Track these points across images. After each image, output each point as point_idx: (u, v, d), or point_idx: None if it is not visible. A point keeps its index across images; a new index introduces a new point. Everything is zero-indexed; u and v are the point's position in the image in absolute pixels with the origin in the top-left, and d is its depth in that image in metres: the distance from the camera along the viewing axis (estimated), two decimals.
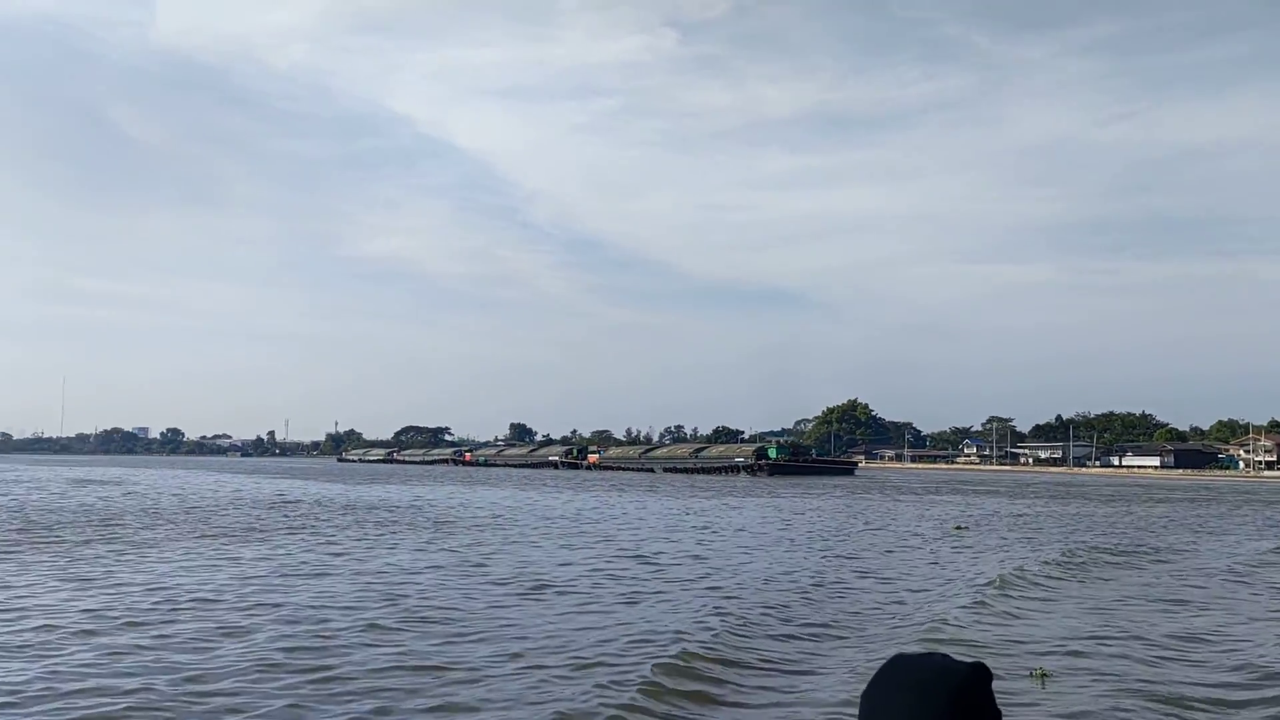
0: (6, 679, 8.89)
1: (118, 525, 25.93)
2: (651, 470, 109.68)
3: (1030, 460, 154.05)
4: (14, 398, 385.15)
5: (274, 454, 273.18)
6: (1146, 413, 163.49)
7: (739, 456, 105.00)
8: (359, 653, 10.30)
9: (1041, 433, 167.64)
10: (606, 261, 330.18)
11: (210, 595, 13.84)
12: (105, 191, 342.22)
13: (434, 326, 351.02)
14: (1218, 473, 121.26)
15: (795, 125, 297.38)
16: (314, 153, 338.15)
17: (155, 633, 11.10)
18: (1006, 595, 14.85)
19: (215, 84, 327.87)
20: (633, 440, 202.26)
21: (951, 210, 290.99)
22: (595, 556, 19.81)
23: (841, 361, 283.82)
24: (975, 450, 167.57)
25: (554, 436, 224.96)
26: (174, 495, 43.04)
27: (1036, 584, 16.28)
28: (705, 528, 28.13)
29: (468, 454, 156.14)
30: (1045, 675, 9.14)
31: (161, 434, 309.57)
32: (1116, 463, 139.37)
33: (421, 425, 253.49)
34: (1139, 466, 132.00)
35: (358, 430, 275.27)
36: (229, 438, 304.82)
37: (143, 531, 24.23)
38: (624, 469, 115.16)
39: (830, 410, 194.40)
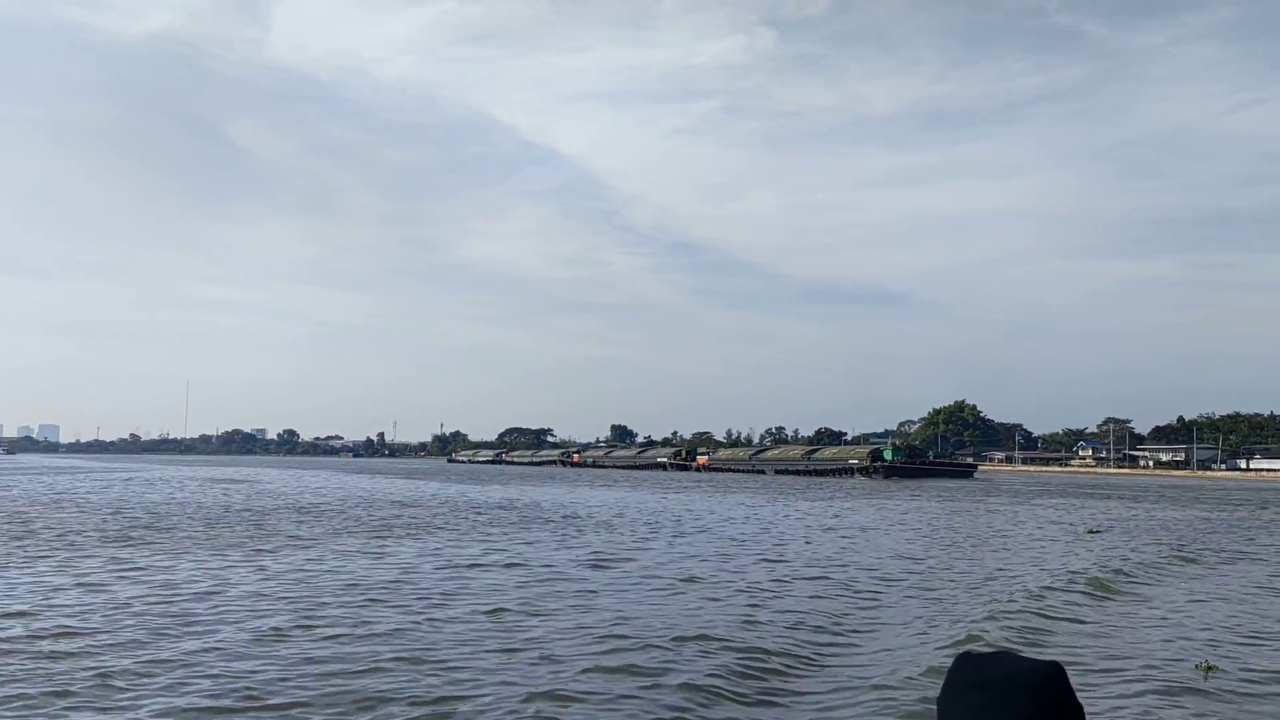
0: (253, 658, 10.06)
1: (273, 522, 27.77)
2: (762, 472, 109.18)
3: (1150, 463, 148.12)
4: (142, 400, 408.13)
5: (384, 455, 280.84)
6: (1275, 413, 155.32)
7: (853, 459, 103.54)
8: (541, 628, 11.20)
9: (1161, 434, 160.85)
10: (706, 264, 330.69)
11: (391, 582, 15.01)
12: (224, 202, 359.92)
13: (536, 330, 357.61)
14: None
15: (897, 122, 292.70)
16: (420, 161, 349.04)
17: (367, 615, 12.25)
18: (1145, 594, 14.92)
19: (327, 97, 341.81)
20: (734, 441, 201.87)
21: (1062, 205, 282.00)
22: (725, 554, 20.45)
23: (947, 362, 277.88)
24: (1091, 453, 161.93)
25: (655, 438, 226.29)
26: (311, 494, 45.40)
27: (1189, 582, 16.24)
28: (828, 529, 28.47)
29: (575, 455, 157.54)
30: (1210, 668, 9.39)
31: (278, 435, 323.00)
32: (1244, 466, 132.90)
33: (525, 427, 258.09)
34: (1270, 470, 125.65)
35: (463, 431, 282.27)
36: (341, 439, 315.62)
37: (301, 528, 25.93)
38: (734, 470, 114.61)
39: (937, 411, 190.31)
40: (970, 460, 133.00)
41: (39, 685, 8.45)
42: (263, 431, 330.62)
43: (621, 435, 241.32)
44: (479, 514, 32.86)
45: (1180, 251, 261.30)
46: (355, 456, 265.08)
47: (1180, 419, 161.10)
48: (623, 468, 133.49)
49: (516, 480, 75.79)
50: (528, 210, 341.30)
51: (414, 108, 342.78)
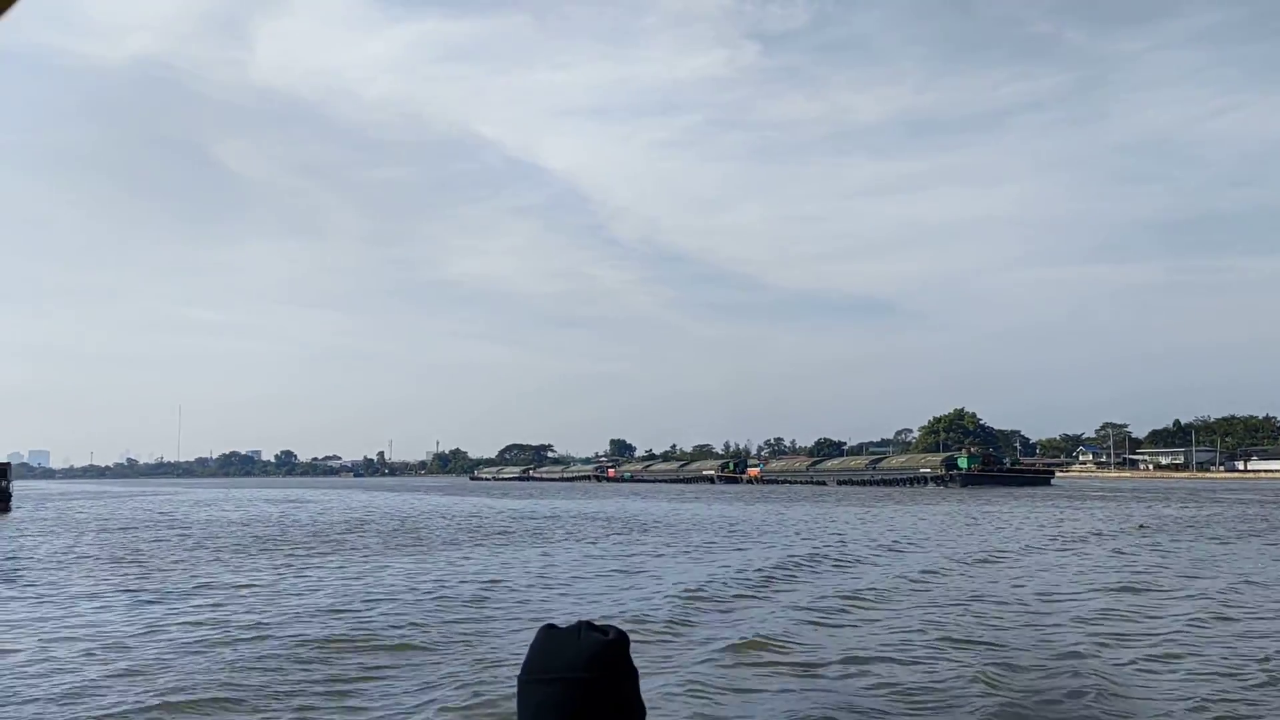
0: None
1: (424, 534, 31.22)
2: (823, 483, 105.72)
3: (1150, 466, 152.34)
4: (134, 424, 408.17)
5: (383, 474, 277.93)
6: (1270, 415, 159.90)
7: (924, 467, 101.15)
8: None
9: (1159, 438, 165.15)
10: (693, 276, 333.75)
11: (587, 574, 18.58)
12: (212, 225, 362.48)
13: (526, 346, 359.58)
14: None
15: (882, 132, 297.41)
16: (405, 179, 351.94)
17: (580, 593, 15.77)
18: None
19: (310, 117, 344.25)
20: (733, 454, 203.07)
21: (1049, 212, 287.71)
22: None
23: (940, 370, 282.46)
24: (1091, 458, 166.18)
25: (655, 452, 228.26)
26: (401, 513, 47.75)
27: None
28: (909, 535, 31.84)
29: (611, 470, 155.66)
30: None
31: (276, 456, 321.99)
32: (1242, 467, 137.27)
33: (523, 443, 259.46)
34: (1268, 471, 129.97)
35: (462, 449, 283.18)
36: (339, 458, 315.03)
37: (453, 540, 29.41)
38: (790, 482, 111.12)
39: (937, 420, 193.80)
40: (1045, 465, 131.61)
41: None
42: (258, 453, 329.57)
43: (620, 449, 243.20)
44: (593, 524, 36.01)
45: (1167, 255, 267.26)
46: (356, 476, 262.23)
47: (1176, 422, 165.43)
48: (665, 481, 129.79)
49: (575, 496, 76.63)
50: (515, 226, 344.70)
51: (397, 126, 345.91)
